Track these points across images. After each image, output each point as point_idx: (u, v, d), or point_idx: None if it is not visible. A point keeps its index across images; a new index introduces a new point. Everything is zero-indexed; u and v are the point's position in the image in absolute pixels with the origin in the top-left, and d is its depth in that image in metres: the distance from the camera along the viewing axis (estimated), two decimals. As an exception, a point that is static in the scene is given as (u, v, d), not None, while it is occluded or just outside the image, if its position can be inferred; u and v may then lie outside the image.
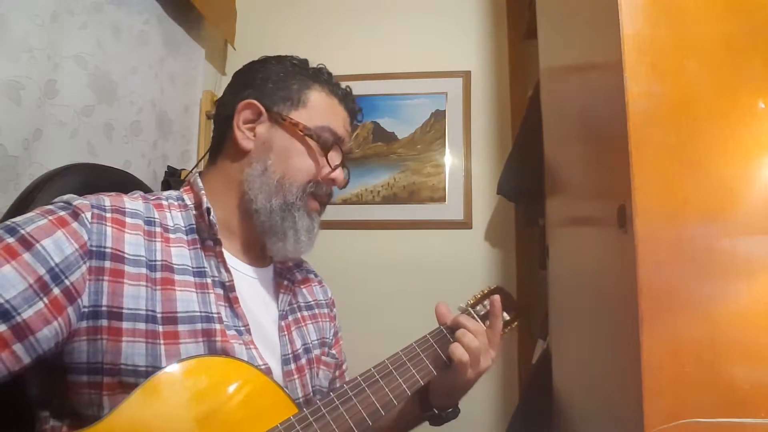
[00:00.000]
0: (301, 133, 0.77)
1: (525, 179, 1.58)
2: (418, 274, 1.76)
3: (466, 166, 1.80)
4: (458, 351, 0.74)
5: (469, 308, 0.84)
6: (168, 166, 1.47)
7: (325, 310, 0.91)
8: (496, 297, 0.82)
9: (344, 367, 0.95)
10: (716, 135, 0.74)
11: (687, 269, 0.72)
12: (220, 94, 1.79)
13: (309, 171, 0.78)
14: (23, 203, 0.74)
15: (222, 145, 0.81)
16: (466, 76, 1.83)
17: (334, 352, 0.89)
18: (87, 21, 1.12)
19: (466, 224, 1.78)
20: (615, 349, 0.84)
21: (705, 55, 0.75)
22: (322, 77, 0.82)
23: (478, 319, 0.81)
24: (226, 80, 1.87)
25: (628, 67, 0.75)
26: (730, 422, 0.68)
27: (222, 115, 0.81)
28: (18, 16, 0.92)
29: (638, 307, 0.71)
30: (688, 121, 0.74)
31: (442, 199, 1.80)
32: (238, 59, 1.90)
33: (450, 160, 1.81)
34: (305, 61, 0.85)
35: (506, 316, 0.85)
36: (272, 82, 0.79)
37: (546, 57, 1.39)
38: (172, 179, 1.42)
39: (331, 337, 0.90)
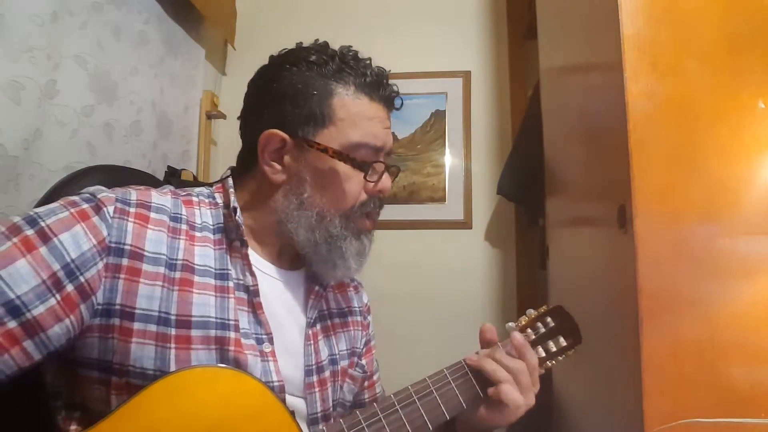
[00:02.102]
0: (333, 158, 0.68)
1: (525, 179, 1.58)
2: (417, 274, 1.76)
3: (466, 166, 1.80)
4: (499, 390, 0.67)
5: (516, 333, 0.74)
6: (168, 166, 1.47)
7: (359, 318, 0.85)
8: (516, 334, 0.71)
9: (375, 378, 0.89)
10: (716, 135, 0.74)
11: (687, 269, 0.72)
12: (220, 94, 1.82)
13: (349, 197, 0.70)
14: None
15: (252, 171, 0.73)
16: (466, 76, 1.83)
17: (363, 362, 0.84)
18: (87, 21, 1.12)
19: (466, 224, 1.78)
20: (615, 349, 0.84)
21: (705, 55, 0.75)
22: (345, 70, 0.70)
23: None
24: (226, 80, 1.90)
25: (628, 67, 0.75)
26: (730, 422, 0.68)
27: (245, 135, 0.75)
28: (18, 16, 0.92)
29: (638, 307, 0.71)
30: (688, 121, 0.74)
31: (442, 199, 1.80)
32: (238, 59, 1.91)
33: (450, 160, 1.81)
34: (322, 49, 0.72)
35: (563, 342, 0.76)
36: (290, 99, 0.69)
37: (546, 57, 1.39)
38: (173, 179, 1.42)
39: (361, 347, 0.85)
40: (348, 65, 0.71)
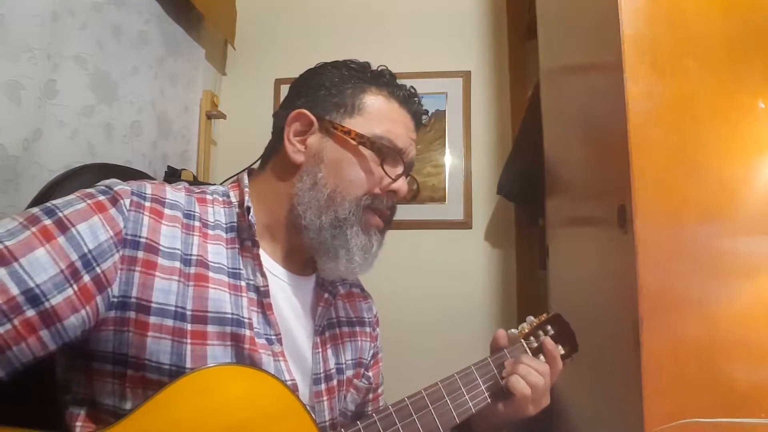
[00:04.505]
0: (354, 142, 0.71)
1: (525, 179, 1.58)
2: (417, 274, 1.76)
3: (466, 166, 1.80)
4: (520, 384, 0.71)
5: (522, 340, 0.78)
6: (168, 166, 1.47)
7: (368, 329, 0.85)
8: (548, 340, 0.77)
9: (380, 391, 0.88)
10: (716, 135, 0.74)
11: (687, 269, 0.72)
12: (220, 94, 1.82)
13: (363, 183, 0.71)
14: (38, 204, 0.72)
15: (273, 155, 0.76)
16: (466, 76, 1.83)
17: (370, 374, 0.84)
18: (87, 21, 1.12)
19: (466, 224, 1.78)
20: (615, 349, 0.84)
21: (705, 55, 0.75)
22: (382, 79, 0.76)
23: (529, 352, 0.77)
24: (226, 80, 1.91)
25: (628, 67, 0.75)
26: (730, 422, 0.68)
27: (276, 127, 0.77)
28: (18, 16, 0.92)
29: (638, 307, 0.71)
30: (688, 121, 0.74)
31: (442, 199, 1.80)
32: (238, 59, 1.90)
33: (450, 160, 1.81)
34: (365, 65, 0.78)
35: (561, 350, 0.78)
36: (325, 88, 0.74)
37: (546, 57, 1.39)
38: (172, 179, 1.42)
39: (369, 359, 0.85)
40: (384, 77, 0.76)
